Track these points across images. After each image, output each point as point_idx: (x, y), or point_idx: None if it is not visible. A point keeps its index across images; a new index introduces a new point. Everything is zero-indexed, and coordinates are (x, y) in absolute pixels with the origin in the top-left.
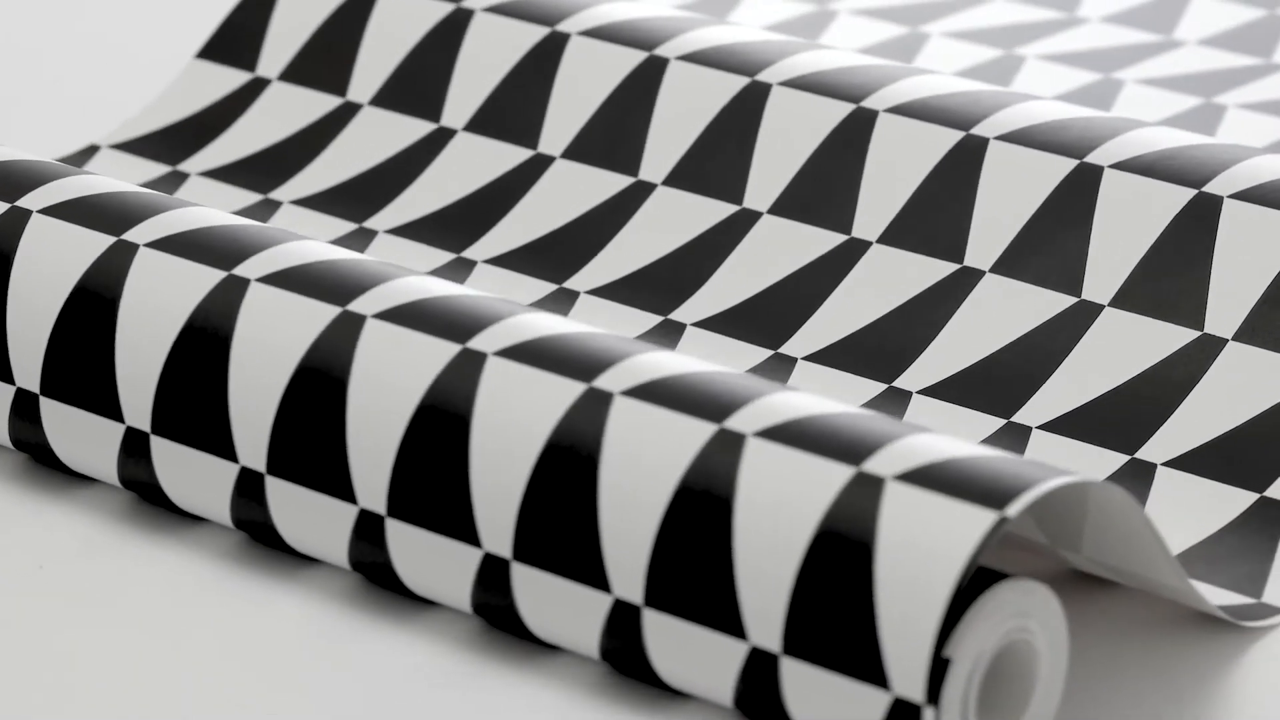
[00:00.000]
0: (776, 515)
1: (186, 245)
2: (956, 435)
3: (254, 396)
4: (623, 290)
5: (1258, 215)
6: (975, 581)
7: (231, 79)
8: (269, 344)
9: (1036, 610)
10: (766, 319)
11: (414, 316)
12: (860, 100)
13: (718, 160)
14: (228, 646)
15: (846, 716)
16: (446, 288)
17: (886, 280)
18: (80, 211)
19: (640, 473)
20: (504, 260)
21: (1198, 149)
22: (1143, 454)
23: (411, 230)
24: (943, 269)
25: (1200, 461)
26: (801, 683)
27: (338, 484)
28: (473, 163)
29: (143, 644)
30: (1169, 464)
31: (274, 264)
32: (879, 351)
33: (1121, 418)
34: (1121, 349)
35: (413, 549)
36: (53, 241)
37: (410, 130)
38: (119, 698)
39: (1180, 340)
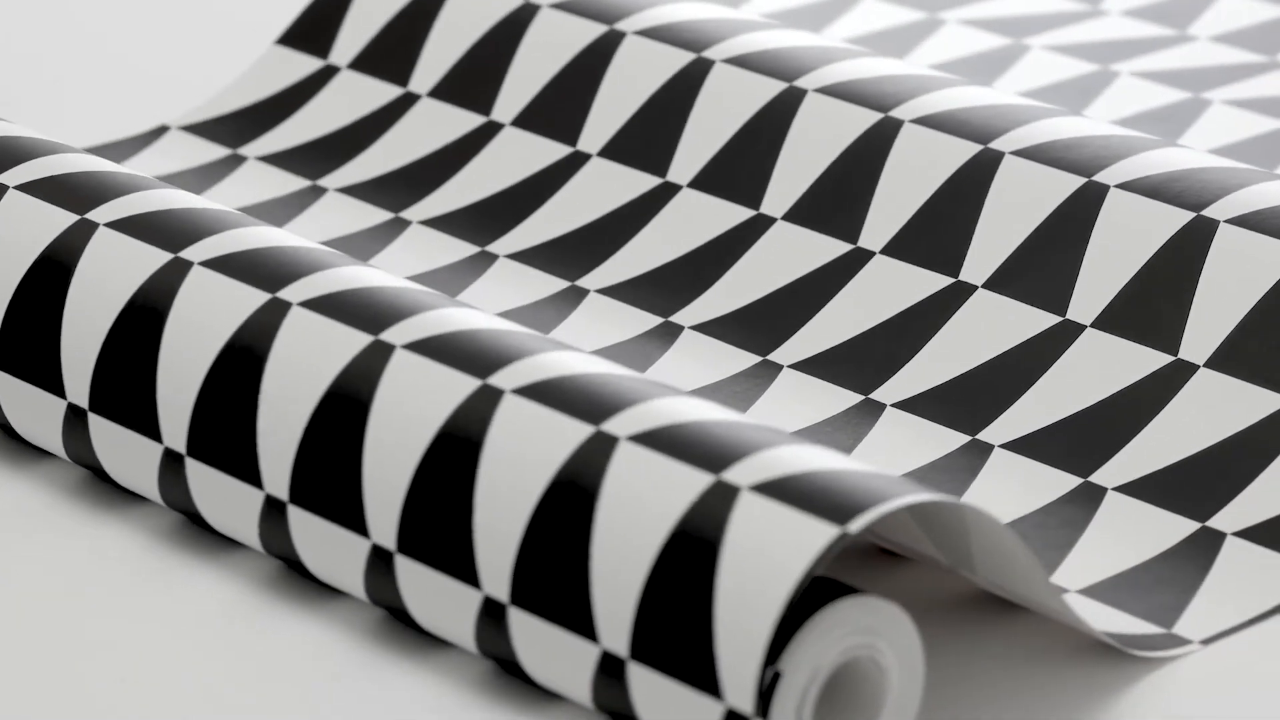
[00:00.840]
0: (633, 520)
1: (138, 226)
2: (914, 449)
3: (175, 376)
4: (630, 291)
5: (1248, 241)
6: (819, 596)
7: (304, 65)
8: (199, 326)
9: (885, 628)
10: (762, 325)
11: (335, 305)
12: (889, 110)
13: (744, 165)
14: (246, 672)
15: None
16: (377, 278)
17: (883, 292)
18: (51, 188)
19: (515, 471)
20: (524, 256)
21: (1209, 171)
22: (1096, 477)
23: (443, 223)
24: (938, 282)
25: (1150, 487)
26: (647, 689)
27: (249, 471)
28: (513, 158)
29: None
30: (1120, 488)
31: (219, 248)
32: (863, 363)
33: (1083, 440)
34: (1095, 371)
35: (312, 538)
36: (23, 217)
37: (460, 123)
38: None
39: (1153, 365)
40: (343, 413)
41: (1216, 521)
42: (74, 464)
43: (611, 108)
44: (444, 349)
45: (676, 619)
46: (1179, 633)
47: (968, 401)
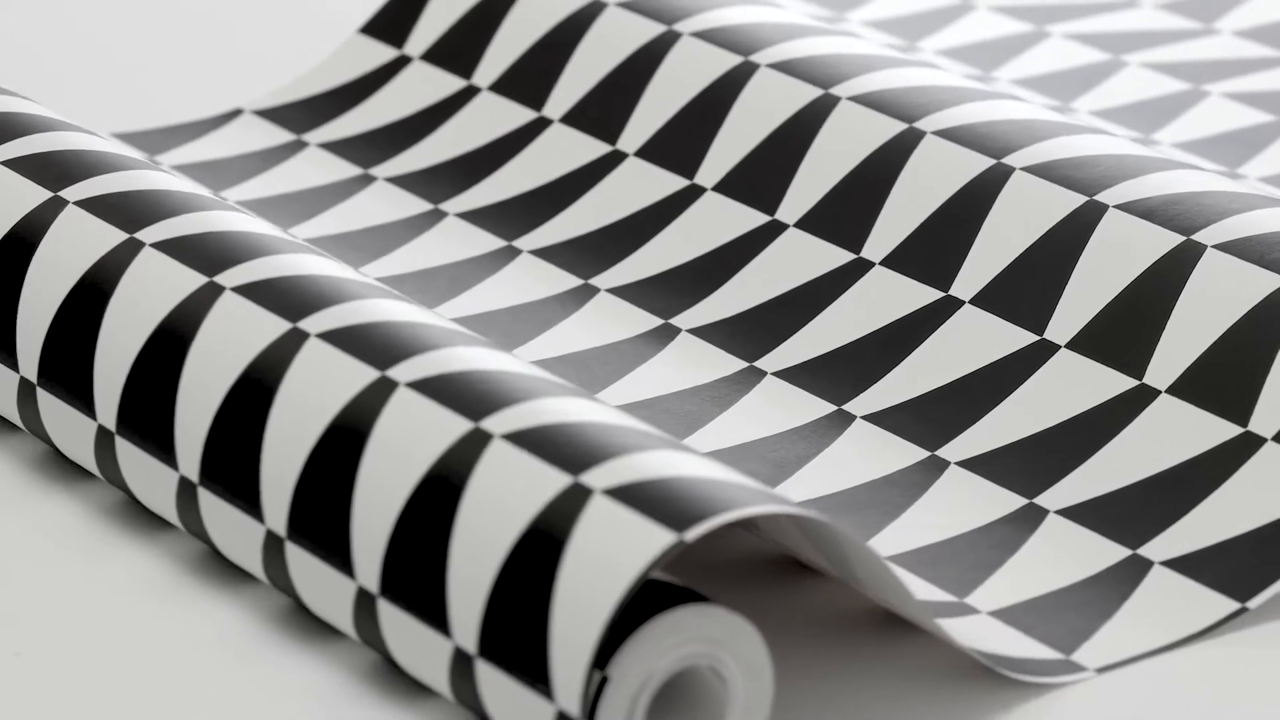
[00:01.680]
0: (491, 518)
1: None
2: (872, 462)
3: (111, 354)
4: (638, 291)
5: (1231, 267)
6: (658, 602)
7: (380, 55)
8: (139, 307)
9: (729, 639)
10: (756, 332)
11: (259, 289)
12: (914, 120)
13: (768, 170)
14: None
15: None
16: (315, 265)
17: (875, 304)
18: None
19: (394, 464)
20: (546, 252)
21: (1209, 195)
22: (1041, 499)
23: (477, 216)
24: (928, 296)
25: (1091, 512)
26: (493, 687)
27: (167, 448)
28: (555, 155)
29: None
30: (1061, 511)
31: (169, 231)
32: (844, 374)
33: (1039, 461)
34: (1062, 392)
35: (217, 517)
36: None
37: (513, 118)
38: None
39: (1118, 388)
40: (251, 398)
41: (1148, 549)
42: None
43: (654, 108)
44: (354, 338)
45: (519, 619)
46: (1077, 659)
47: (935, 418)
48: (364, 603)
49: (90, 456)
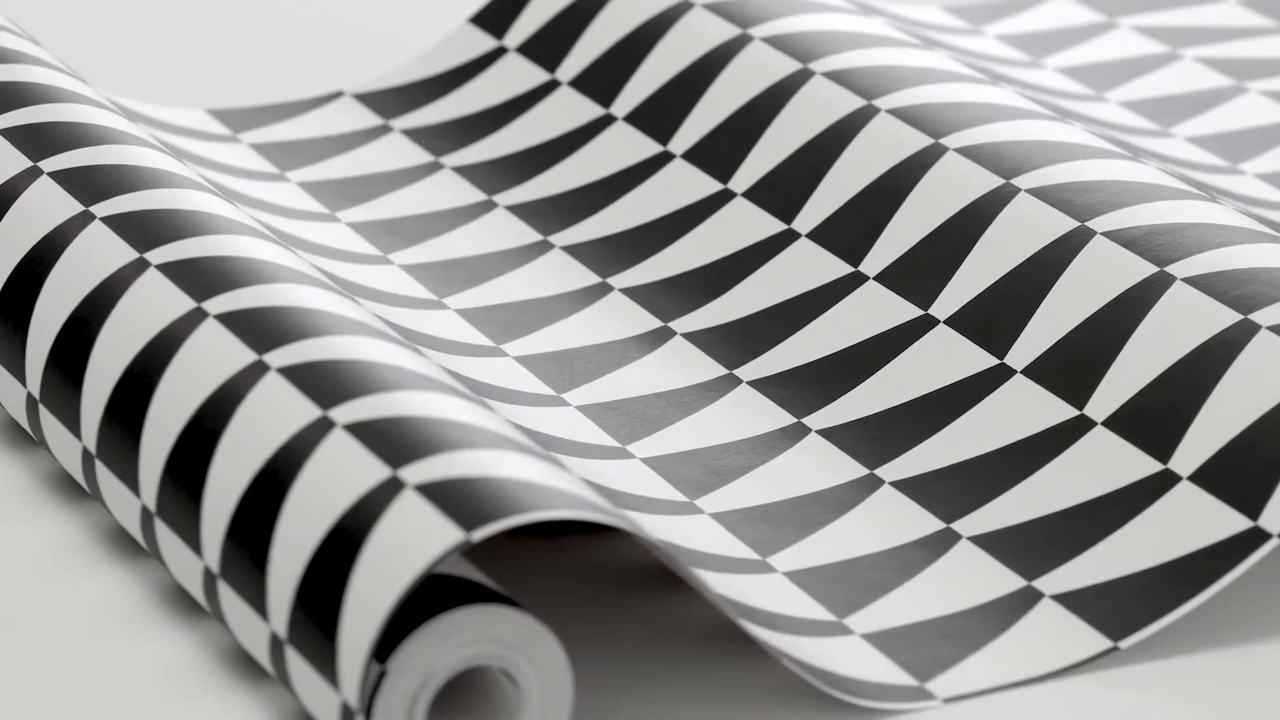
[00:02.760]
0: (313, 506)
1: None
2: (809, 476)
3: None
4: (647, 293)
5: (1194, 301)
6: (450, 600)
7: (481, 45)
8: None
9: (521, 642)
10: (744, 340)
11: (177, 269)
12: (940, 136)
13: (796, 179)
14: None
15: (326, 713)
16: (242, 246)
17: (861, 318)
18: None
19: (246, 446)
20: (575, 249)
21: (1198, 227)
22: (958, 524)
23: (523, 210)
24: (909, 313)
25: (1000, 541)
26: (297, 673)
27: (73, 420)
28: (609, 152)
29: None
30: (974, 538)
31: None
32: (813, 387)
33: (968, 486)
34: (1006, 419)
35: (110, 488)
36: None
37: (582, 114)
38: None
39: (1059, 418)
40: (144, 375)
41: (1043, 581)
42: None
43: (708, 111)
44: (249, 321)
45: (319, 608)
46: (930, 688)
47: (884, 436)
48: (209, 583)
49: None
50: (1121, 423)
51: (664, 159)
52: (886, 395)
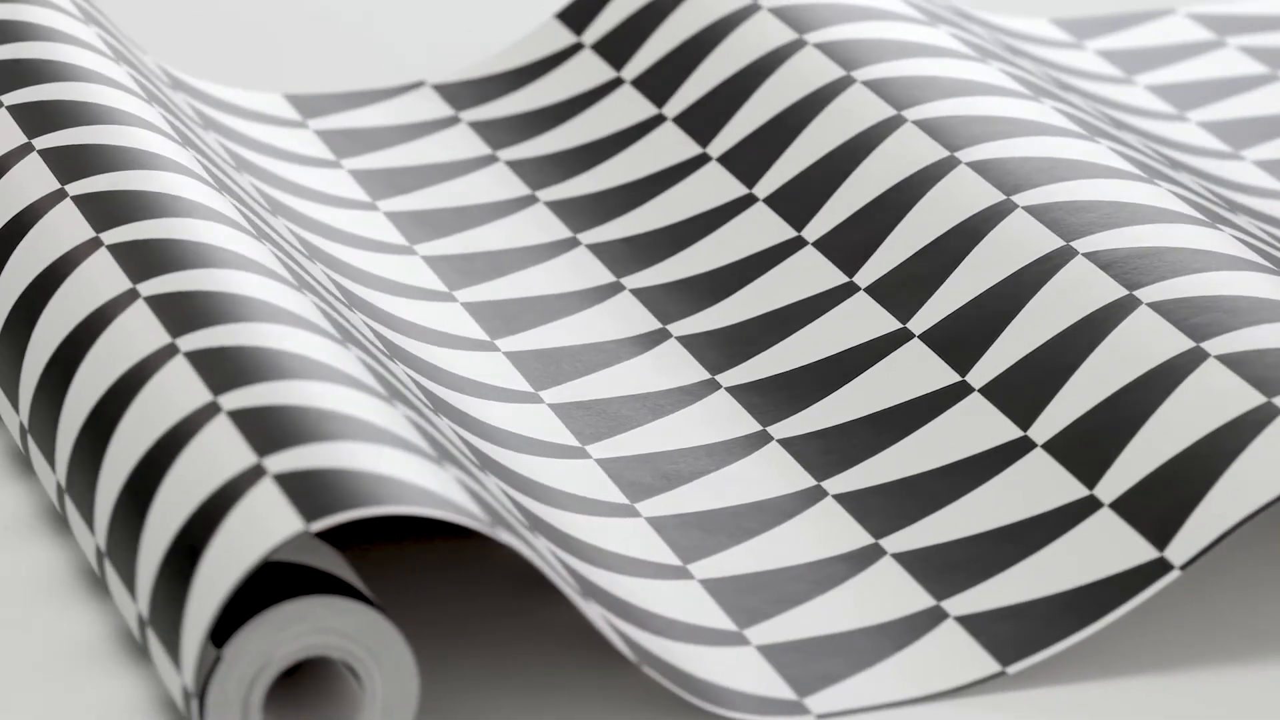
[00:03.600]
0: (181, 491)
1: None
2: (756, 486)
3: None
4: (656, 294)
5: (1153, 326)
6: (295, 590)
7: (560, 40)
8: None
9: (365, 636)
10: (734, 345)
11: (127, 250)
12: (956, 149)
13: (813, 187)
14: None
15: (175, 695)
16: (194, 231)
17: (846, 329)
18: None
19: (139, 427)
20: (599, 248)
21: (1179, 252)
22: (886, 540)
23: (561, 206)
24: (888, 326)
25: (921, 559)
26: (156, 653)
27: (14, 395)
28: (653, 152)
29: None
30: (897, 555)
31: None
32: (786, 396)
33: (907, 503)
34: (955, 437)
35: (37, 464)
36: None
37: (636, 113)
38: None
39: (1004, 438)
40: (71, 353)
41: (952, 602)
42: None
43: (750, 115)
44: (176, 304)
45: (172, 591)
46: (808, 703)
47: (839, 449)
48: (99, 562)
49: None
50: (1059, 446)
51: (701, 161)
52: (852, 408)
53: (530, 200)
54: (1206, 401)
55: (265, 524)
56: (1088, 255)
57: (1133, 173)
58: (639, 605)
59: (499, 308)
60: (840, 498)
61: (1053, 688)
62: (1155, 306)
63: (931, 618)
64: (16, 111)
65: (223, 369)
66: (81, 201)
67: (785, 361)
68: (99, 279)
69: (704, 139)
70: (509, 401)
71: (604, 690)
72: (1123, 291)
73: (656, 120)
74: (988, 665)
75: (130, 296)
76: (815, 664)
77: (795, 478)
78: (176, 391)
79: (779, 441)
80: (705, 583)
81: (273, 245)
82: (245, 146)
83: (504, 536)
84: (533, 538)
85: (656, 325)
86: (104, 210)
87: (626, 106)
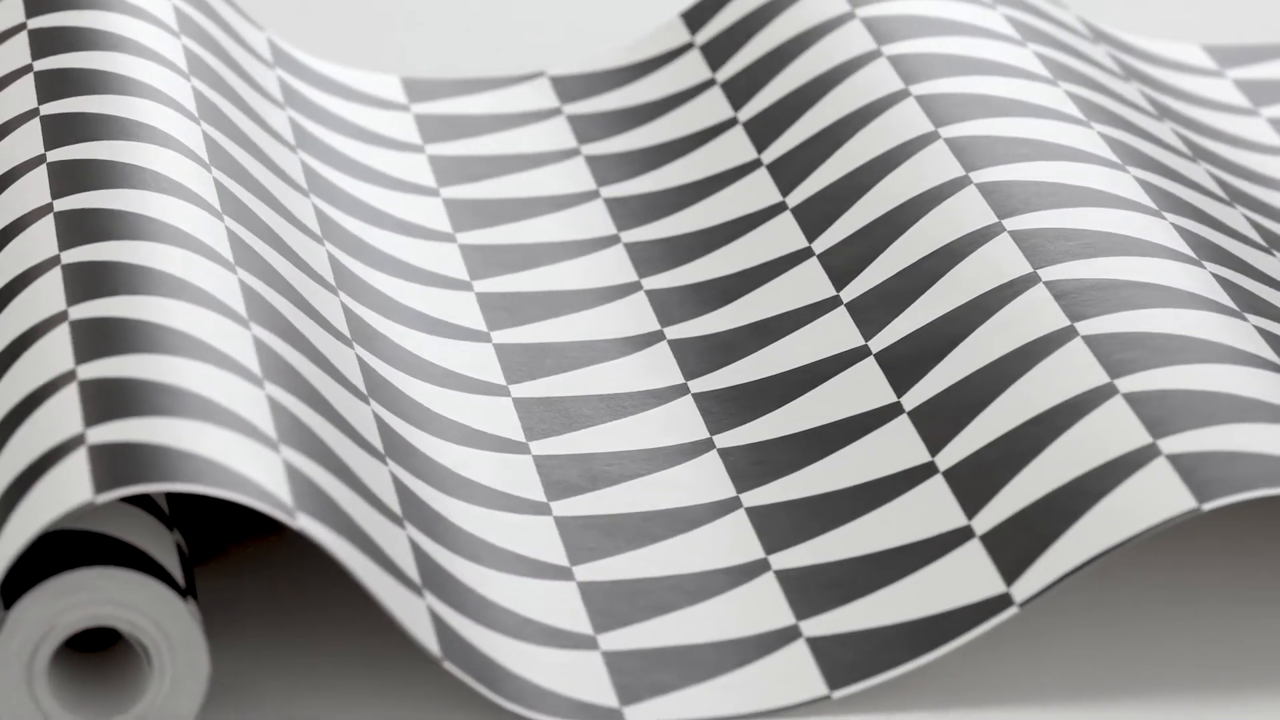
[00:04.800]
0: (13, 459)
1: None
2: (675, 492)
3: None
4: (666, 297)
5: (1078, 360)
6: (78, 560)
7: (676, 39)
8: None
9: (153, 609)
10: (716, 352)
11: (70, 218)
12: (972, 169)
13: (835, 198)
14: None
15: None
16: (144, 204)
17: (818, 343)
18: None
19: (8, 395)
20: (636, 248)
21: (1140, 286)
22: (775, 557)
23: (616, 204)
24: (852, 342)
25: (798, 578)
26: None
27: None
28: (715, 156)
29: None
30: (779, 572)
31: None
32: (742, 405)
33: (808, 521)
34: (873, 458)
35: None
36: None
37: (714, 115)
38: None
39: (913, 462)
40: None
41: (811, 623)
42: None
43: (806, 124)
44: (87, 274)
45: None
46: (627, 712)
47: (769, 460)
48: None
49: None
50: (956, 474)
51: (752, 167)
52: (795, 421)
53: (591, 196)
54: (1096, 439)
55: (61, 493)
56: (1048, 284)
57: (1141, 204)
58: (498, 602)
59: (512, 299)
60: (751, 510)
61: (873, 715)
62: (1088, 339)
63: (785, 637)
64: (40, 78)
65: (95, 339)
66: (54, 169)
67: (754, 371)
68: (38, 244)
69: (762, 145)
70: (473, 393)
71: (402, 685)
72: (1065, 323)
73: (729, 124)
74: (817, 688)
75: (52, 262)
76: (652, 674)
77: (719, 488)
78: (50, 357)
79: (719, 450)
80: (583, 585)
81: (244, 224)
82: (324, 125)
83: (301, 522)
84: (378, 532)
85: (655, 328)
86: (68, 178)
87: (708, 109)
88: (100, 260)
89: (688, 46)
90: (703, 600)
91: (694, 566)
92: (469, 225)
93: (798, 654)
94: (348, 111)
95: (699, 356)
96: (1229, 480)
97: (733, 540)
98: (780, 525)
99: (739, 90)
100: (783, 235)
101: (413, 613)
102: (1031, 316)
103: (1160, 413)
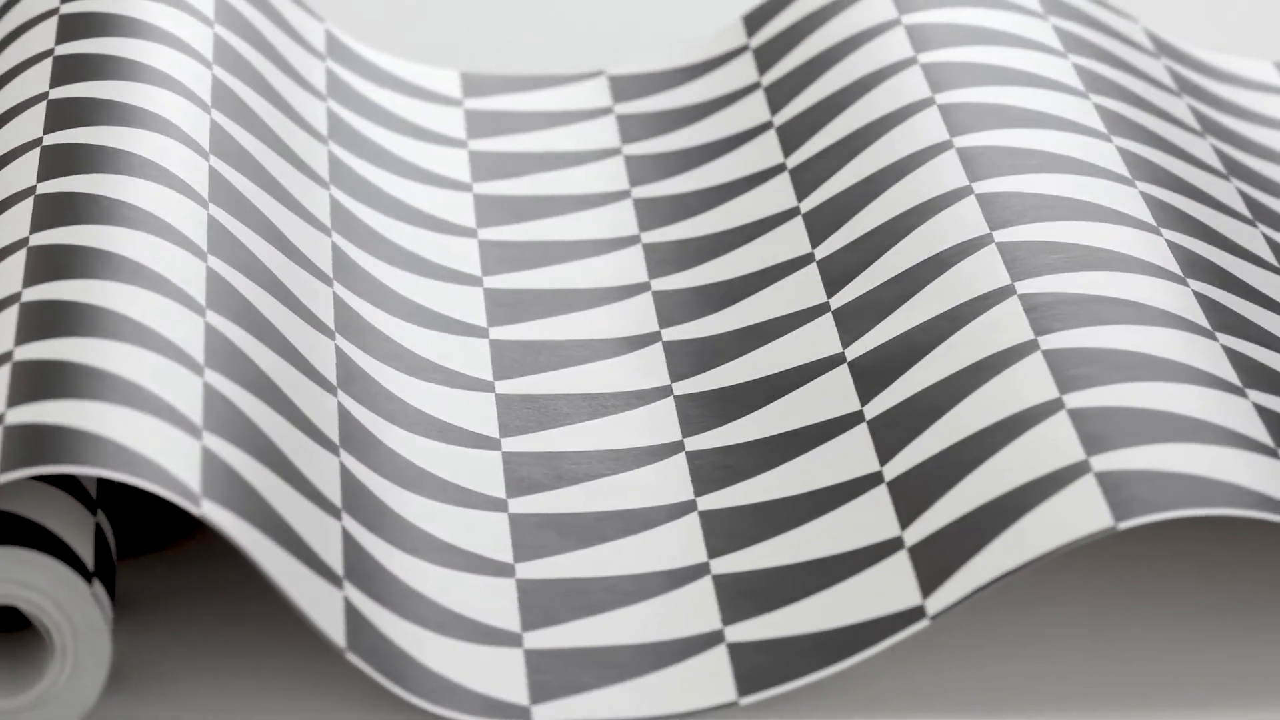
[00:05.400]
0: None
1: None
2: (632, 493)
3: None
4: (672, 299)
5: (1034, 376)
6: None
7: (733, 42)
8: None
9: (54, 590)
10: (705, 355)
11: (46, 200)
12: (975, 180)
13: (844, 205)
14: None
15: None
16: (118, 188)
17: (800, 348)
18: None
19: None
20: (653, 248)
21: (1109, 302)
22: (716, 562)
23: (645, 205)
24: (831, 349)
25: (730, 584)
26: None
27: None
28: (745, 159)
29: None
30: (718, 577)
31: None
32: (718, 409)
33: (754, 527)
34: (823, 466)
35: None
36: None
37: (752, 118)
38: None
39: (859, 471)
40: None
41: (732, 629)
42: None
43: (833, 131)
44: (46, 256)
45: None
46: (536, 710)
47: (732, 465)
48: None
49: None
50: (899, 485)
51: (776, 172)
52: (764, 427)
53: (621, 196)
54: (1033, 454)
55: None
56: (1023, 296)
57: (1139, 219)
58: (431, 596)
59: (519, 296)
60: (704, 514)
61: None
62: (1047, 354)
63: (708, 642)
64: (57, 62)
65: (37, 322)
66: (45, 152)
67: (737, 375)
68: (14, 226)
69: (789, 150)
70: (458, 387)
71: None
72: (1029, 336)
73: (764, 128)
74: (726, 694)
75: (20, 244)
76: (570, 673)
77: (679, 491)
78: None
79: (688, 453)
80: (522, 582)
81: (232, 212)
82: (365, 117)
83: (205, 508)
84: (304, 522)
85: (653, 329)
86: (54, 161)
87: (748, 112)
88: (62, 244)
89: (742, 49)
90: (637, 602)
91: (636, 568)
92: (494, 221)
93: (716, 659)
94: (395, 104)
95: (689, 359)
96: (1150, 500)
97: (681, 544)
98: (728, 530)
99: (780, 94)
100: (790, 240)
101: (323, 602)
102: (999, 329)
103: (1100, 429)
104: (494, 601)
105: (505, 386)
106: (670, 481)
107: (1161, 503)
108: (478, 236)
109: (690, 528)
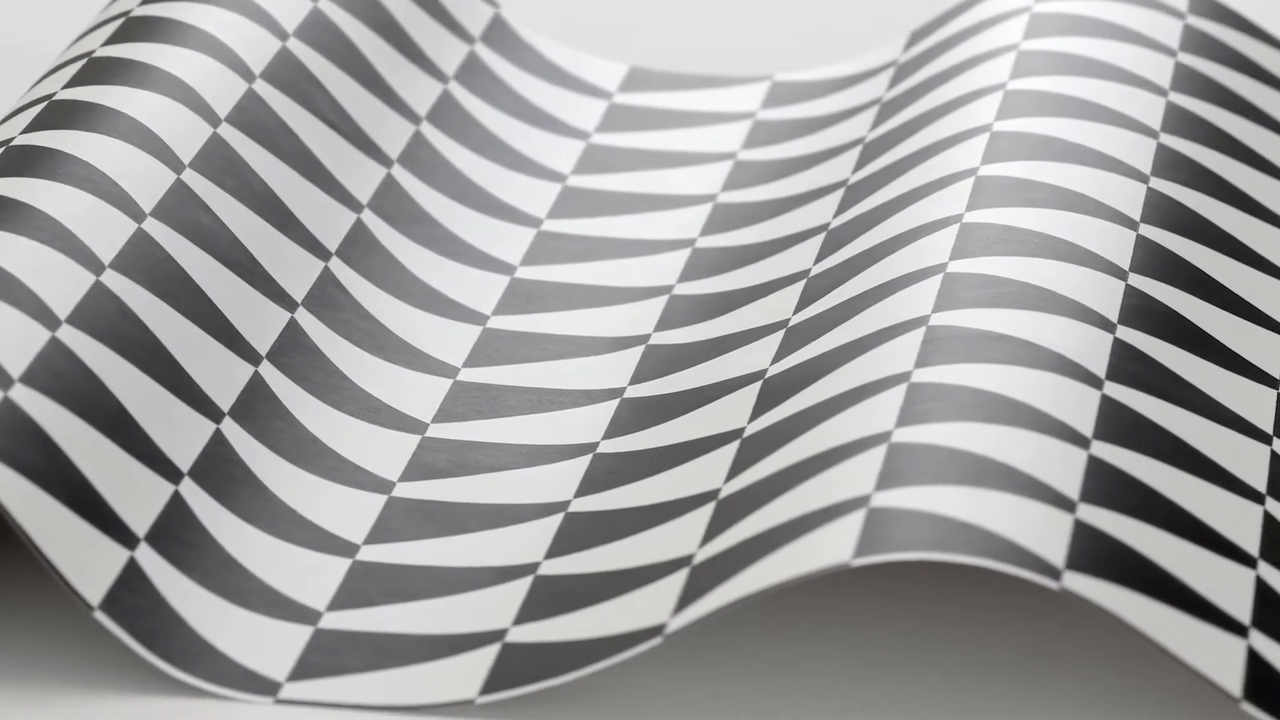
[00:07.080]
0: None
1: None
2: (567, 492)
3: None
4: (683, 304)
5: (889, 405)
6: None
7: (887, 56)
8: None
9: None
10: (672, 360)
11: (17, 152)
12: (974, 209)
13: (858, 226)
14: None
15: None
16: (94, 148)
17: (744, 362)
18: None
19: None
20: (700, 253)
21: (1011, 341)
22: (548, 561)
23: (722, 209)
24: (757, 365)
25: (549, 584)
26: None
27: None
28: (825, 173)
29: None
30: (541, 576)
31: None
32: (652, 415)
33: (598, 531)
34: (687, 479)
35: None
36: None
37: (851, 134)
38: None
39: (701, 488)
40: None
41: (520, 629)
42: None
43: (898, 151)
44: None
45: None
46: (287, 688)
47: (623, 471)
48: None
49: None
50: (724, 504)
51: (835, 188)
52: (667, 436)
53: (705, 200)
54: (832, 486)
55: None
56: (930, 329)
57: (1110, 262)
58: (248, 567)
59: (544, 288)
60: (570, 515)
61: None
62: (912, 387)
63: (488, 639)
64: (127, 23)
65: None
66: (49, 107)
67: (681, 384)
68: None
69: (859, 166)
70: (420, 370)
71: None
72: (908, 369)
73: (854, 143)
74: (467, 691)
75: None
76: (345, 656)
77: (562, 491)
78: None
79: (596, 455)
80: (358, 564)
81: (215, 180)
82: (487, 100)
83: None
84: (117, 481)
85: (645, 331)
86: (47, 117)
87: (854, 127)
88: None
89: (888, 66)
90: (454, 594)
91: (472, 561)
92: (566, 213)
93: (483, 657)
94: (534, 91)
95: (659, 363)
96: (897, 540)
97: (528, 542)
98: (578, 533)
99: (886, 112)
100: (801, 256)
101: (94, 559)
102: (890, 358)
103: (903, 466)
104: (317, 579)
105: (469, 374)
106: (560, 482)
107: (903, 543)
108: (540, 227)
109: (546, 528)
